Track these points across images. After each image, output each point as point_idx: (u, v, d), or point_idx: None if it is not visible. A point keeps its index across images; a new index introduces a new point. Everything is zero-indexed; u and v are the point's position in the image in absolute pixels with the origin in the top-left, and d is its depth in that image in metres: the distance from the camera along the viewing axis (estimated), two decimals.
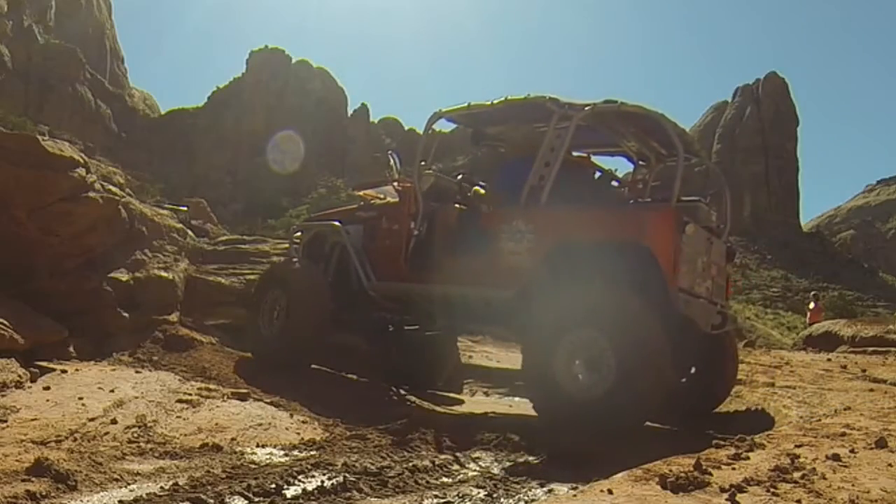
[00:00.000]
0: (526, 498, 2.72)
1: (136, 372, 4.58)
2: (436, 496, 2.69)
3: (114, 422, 3.40)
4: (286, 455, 3.27)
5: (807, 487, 2.07)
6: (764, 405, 4.87)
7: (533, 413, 4.25)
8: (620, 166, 5.79)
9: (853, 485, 2.12)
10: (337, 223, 5.75)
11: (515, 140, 5.69)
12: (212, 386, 4.50)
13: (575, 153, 5.20)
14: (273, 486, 2.63)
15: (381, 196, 5.86)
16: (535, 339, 4.24)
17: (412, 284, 5.05)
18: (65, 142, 5.47)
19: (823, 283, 52.88)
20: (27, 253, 4.88)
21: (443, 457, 3.38)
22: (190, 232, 7.26)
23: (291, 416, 4.11)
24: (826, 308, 22.76)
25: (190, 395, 4.13)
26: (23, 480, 2.46)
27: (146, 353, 5.23)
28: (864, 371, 5.77)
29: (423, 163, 5.32)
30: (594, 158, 5.53)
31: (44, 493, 2.38)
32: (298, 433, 3.78)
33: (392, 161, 5.79)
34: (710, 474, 2.18)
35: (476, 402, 5.93)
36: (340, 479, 2.77)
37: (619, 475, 2.27)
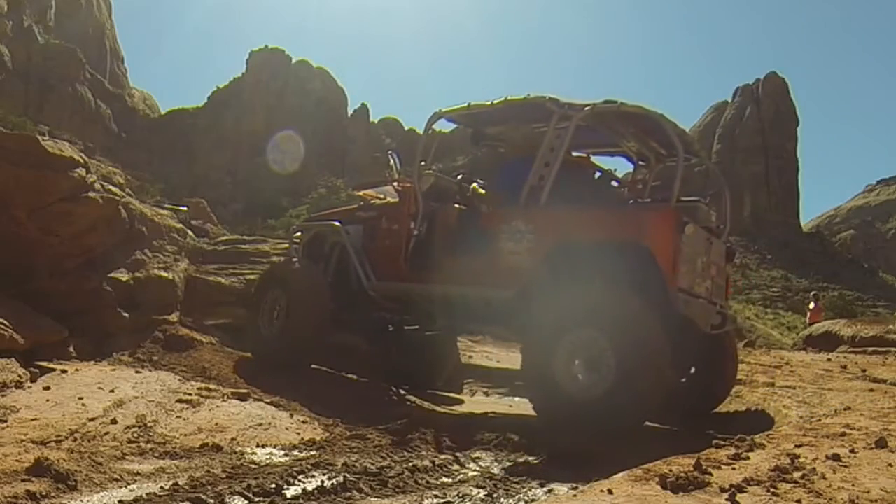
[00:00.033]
0: (526, 498, 2.72)
1: (136, 372, 4.58)
2: (436, 496, 2.69)
3: (114, 422, 3.40)
4: (286, 455, 3.27)
5: (807, 487, 2.07)
6: (764, 405, 4.86)
7: (533, 413, 4.25)
8: (620, 166, 5.80)
9: (853, 485, 2.12)
10: (337, 223, 5.75)
11: (515, 140, 5.69)
12: (212, 386, 4.50)
13: (575, 153, 5.21)
14: (273, 486, 2.63)
15: (381, 196, 5.86)
16: (534, 339, 4.24)
17: (412, 284, 5.05)
18: (65, 142, 5.47)
19: (823, 283, 52.89)
20: (27, 253, 4.88)
21: (443, 457, 3.38)
22: (190, 232, 7.26)
23: (291, 416, 4.11)
24: (826, 308, 22.76)
25: (190, 395, 4.13)
26: (23, 480, 2.46)
27: (146, 353, 5.23)
28: (864, 371, 5.77)
29: (423, 163, 5.32)
30: (594, 158, 5.53)
31: (44, 493, 2.38)
32: (298, 433, 3.78)
33: (392, 161, 5.79)
34: (710, 474, 2.18)
35: (476, 402, 5.93)
36: (340, 479, 2.77)
37: (619, 475, 2.27)
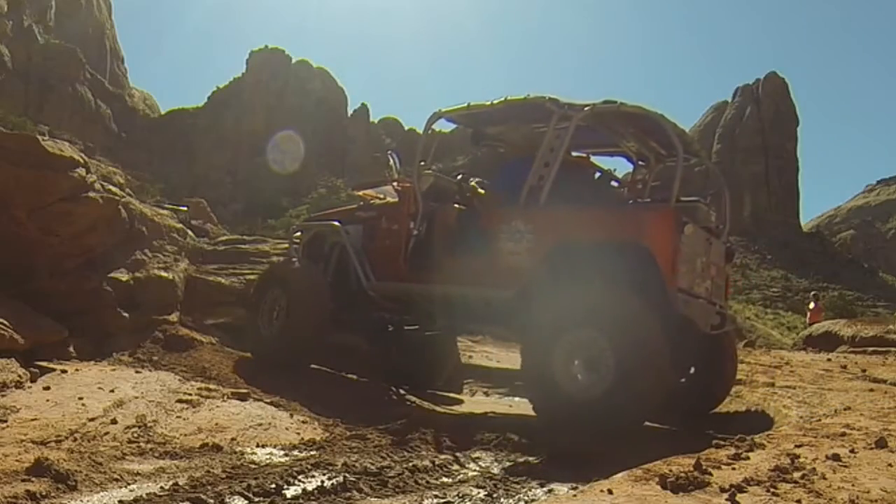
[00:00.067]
0: (526, 498, 2.72)
1: (136, 372, 4.58)
2: (436, 496, 2.69)
3: (114, 422, 3.40)
4: (286, 455, 3.27)
5: (807, 487, 2.07)
6: (764, 405, 4.86)
7: (533, 413, 4.25)
8: (620, 166, 5.80)
9: (853, 485, 2.12)
10: (336, 223, 5.75)
11: (515, 140, 5.69)
12: (212, 386, 4.50)
13: (574, 153, 5.21)
14: (273, 486, 2.63)
15: (381, 196, 5.86)
16: (534, 339, 4.24)
17: (412, 284, 5.05)
18: (65, 142, 5.47)
19: (823, 283, 52.91)
20: (27, 253, 4.88)
21: (443, 457, 3.38)
22: (190, 232, 7.26)
23: (291, 416, 4.11)
24: (826, 308, 22.76)
25: (190, 395, 4.13)
26: (23, 480, 2.46)
27: (146, 353, 5.23)
28: (864, 371, 5.77)
29: (422, 163, 5.32)
30: (594, 158, 5.53)
31: (44, 493, 2.38)
32: (298, 433, 3.78)
33: (392, 161, 5.79)
34: (710, 474, 2.18)
35: (476, 402, 5.93)
36: (340, 479, 2.77)
37: (619, 475, 2.27)
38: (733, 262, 5.60)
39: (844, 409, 3.93)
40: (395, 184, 5.61)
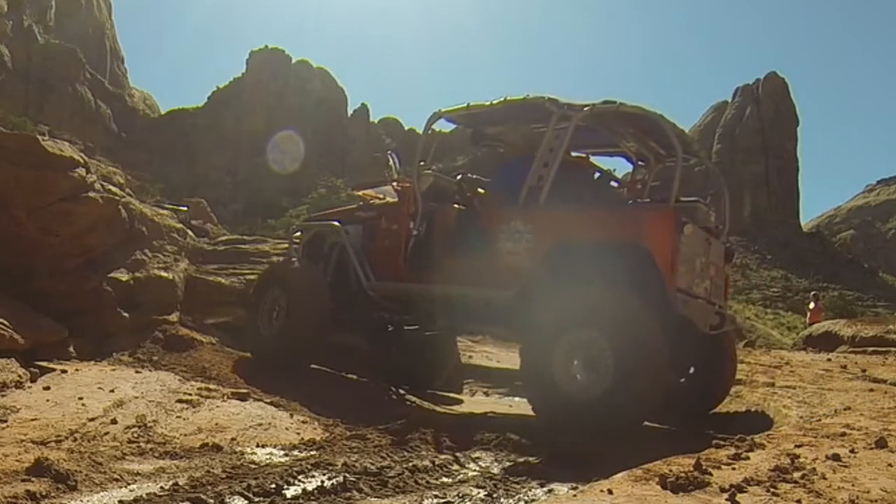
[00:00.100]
0: (526, 498, 2.72)
1: (136, 372, 4.58)
2: (436, 496, 2.69)
3: (114, 422, 3.40)
4: (286, 455, 3.27)
5: (807, 487, 2.07)
6: (764, 405, 4.86)
7: (532, 413, 4.25)
8: (620, 166, 5.80)
9: (853, 485, 2.12)
10: (336, 223, 5.75)
11: (515, 140, 5.69)
12: (212, 386, 4.50)
13: (574, 153, 5.21)
14: (273, 486, 2.63)
15: (381, 196, 5.86)
16: (533, 339, 4.24)
17: (411, 284, 5.05)
18: (65, 142, 5.47)
19: (823, 283, 52.92)
20: (27, 253, 4.88)
21: (443, 457, 3.38)
22: (190, 232, 7.26)
23: (291, 416, 4.11)
24: (826, 308, 22.77)
25: (190, 395, 4.13)
26: (23, 480, 2.46)
27: (146, 353, 5.23)
28: (864, 371, 5.77)
29: (422, 163, 5.32)
30: (593, 158, 5.53)
31: (44, 493, 2.38)
32: (298, 433, 3.79)
33: (392, 161, 5.79)
34: (710, 474, 2.19)
35: (476, 402, 5.93)
36: (340, 479, 2.77)
37: (619, 475, 2.27)
38: (733, 262, 5.60)
39: (844, 409, 3.93)
40: (394, 184, 5.61)
